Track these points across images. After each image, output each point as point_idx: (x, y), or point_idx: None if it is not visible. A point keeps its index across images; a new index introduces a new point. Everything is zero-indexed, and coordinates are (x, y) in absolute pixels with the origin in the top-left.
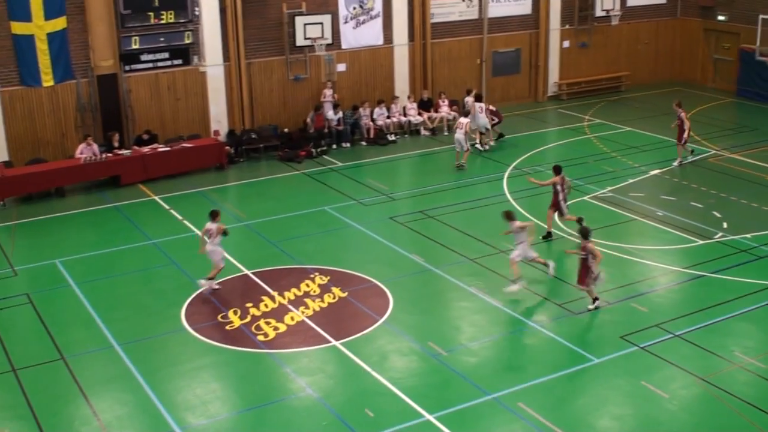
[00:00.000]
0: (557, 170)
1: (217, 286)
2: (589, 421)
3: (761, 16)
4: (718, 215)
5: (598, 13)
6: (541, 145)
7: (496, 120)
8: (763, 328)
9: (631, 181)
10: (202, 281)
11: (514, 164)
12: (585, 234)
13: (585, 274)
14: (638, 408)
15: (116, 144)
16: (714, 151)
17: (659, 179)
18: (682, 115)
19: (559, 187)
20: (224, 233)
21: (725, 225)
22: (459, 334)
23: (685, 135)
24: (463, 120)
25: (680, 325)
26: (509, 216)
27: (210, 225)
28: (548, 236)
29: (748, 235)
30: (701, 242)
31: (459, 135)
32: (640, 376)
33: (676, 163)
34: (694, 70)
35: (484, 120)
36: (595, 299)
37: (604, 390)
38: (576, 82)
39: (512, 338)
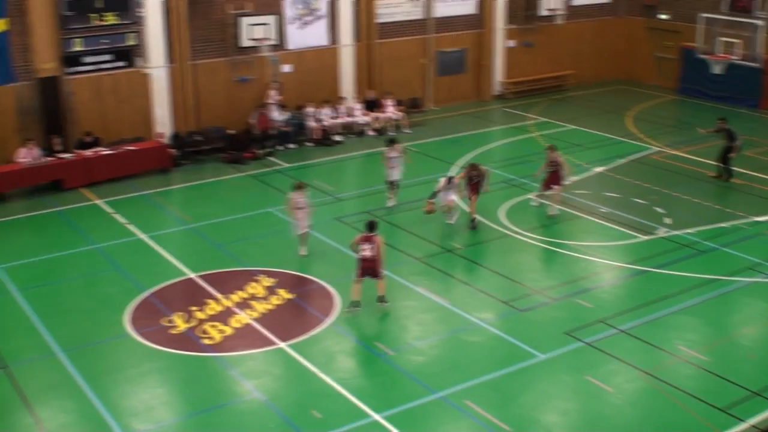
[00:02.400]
0: (371, 227)
1: None
2: (536, 417)
3: (702, 15)
4: (661, 211)
5: (543, 12)
6: (486, 143)
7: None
8: (706, 321)
9: (575, 178)
10: None
11: (458, 162)
12: None
13: None
14: (584, 403)
15: (57, 148)
16: (657, 148)
17: (603, 176)
18: (560, 159)
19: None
20: None
21: (668, 221)
22: (406, 333)
23: (564, 173)
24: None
25: (624, 320)
26: None
27: None
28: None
29: (691, 230)
30: (644, 238)
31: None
32: (585, 371)
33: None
34: (637, 68)
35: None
36: None
37: (550, 386)
38: (521, 81)
39: (459, 336)
